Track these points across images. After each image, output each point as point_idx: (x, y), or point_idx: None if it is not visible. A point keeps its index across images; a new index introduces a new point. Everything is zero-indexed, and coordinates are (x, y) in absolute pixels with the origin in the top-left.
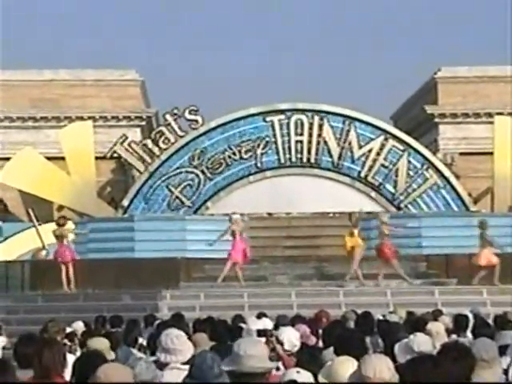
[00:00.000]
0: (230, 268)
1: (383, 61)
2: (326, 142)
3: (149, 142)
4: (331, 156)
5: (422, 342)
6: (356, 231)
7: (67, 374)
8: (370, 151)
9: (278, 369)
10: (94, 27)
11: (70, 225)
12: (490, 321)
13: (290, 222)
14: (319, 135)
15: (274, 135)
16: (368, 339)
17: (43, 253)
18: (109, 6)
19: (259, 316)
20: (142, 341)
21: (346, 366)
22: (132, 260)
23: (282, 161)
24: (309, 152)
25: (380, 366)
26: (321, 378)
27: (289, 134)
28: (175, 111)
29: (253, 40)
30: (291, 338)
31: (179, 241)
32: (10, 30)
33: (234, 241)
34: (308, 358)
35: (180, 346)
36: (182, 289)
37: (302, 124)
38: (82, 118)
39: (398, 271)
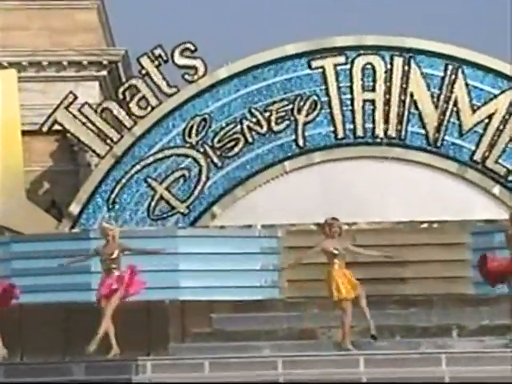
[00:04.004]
0: None
1: None
2: (415, 103)
3: (114, 106)
4: (424, 126)
5: None
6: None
7: None
8: (490, 117)
9: None
10: None
11: None
12: None
13: (355, 237)
14: (404, 90)
15: (327, 91)
16: None
17: None
18: None
19: None
20: None
21: None
22: (88, 306)
23: (341, 135)
24: (386, 120)
25: None
26: None
27: (352, 90)
28: (157, 52)
29: None
30: None
31: (168, 272)
32: None
33: None
34: None
35: None
36: (173, 353)
37: (375, 72)
38: None
39: None
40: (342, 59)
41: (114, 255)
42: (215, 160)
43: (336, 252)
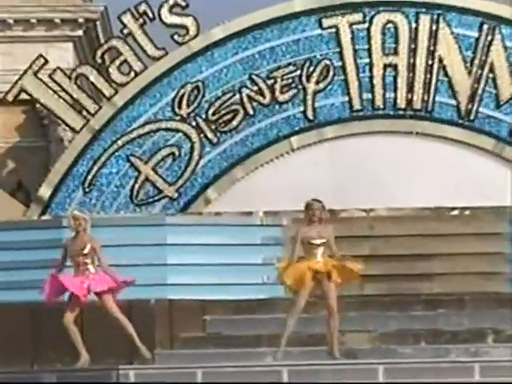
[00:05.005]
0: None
1: None
2: (444, 68)
3: (91, 71)
4: (455, 96)
5: None
6: None
7: None
8: None
9: None
10: None
11: None
12: None
13: (373, 227)
14: (431, 53)
15: (341, 55)
16: None
17: None
18: None
19: None
20: None
21: None
22: (59, 306)
23: (357, 106)
24: (411, 88)
25: None
26: None
27: (370, 53)
28: (142, 9)
29: None
30: None
31: (154, 267)
32: None
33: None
34: None
35: None
36: (160, 361)
37: (397, 32)
38: None
39: None
40: (358, 17)
41: (86, 250)
42: (210, 135)
43: (314, 241)
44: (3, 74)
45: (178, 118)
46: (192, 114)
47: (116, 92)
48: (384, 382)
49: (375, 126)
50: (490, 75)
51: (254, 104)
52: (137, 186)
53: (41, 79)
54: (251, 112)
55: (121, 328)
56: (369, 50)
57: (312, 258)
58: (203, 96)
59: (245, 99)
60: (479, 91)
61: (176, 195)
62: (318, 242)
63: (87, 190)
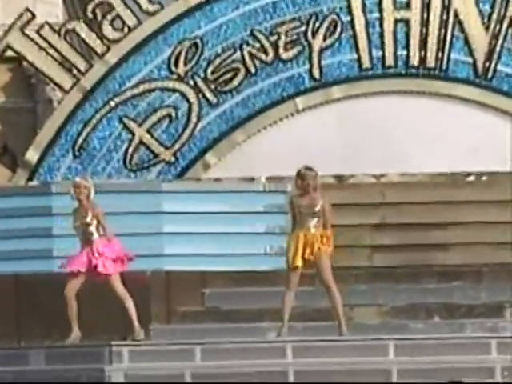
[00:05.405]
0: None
1: None
2: (460, 23)
3: (82, 27)
4: (472, 53)
5: None
6: None
7: None
8: None
9: None
10: None
11: None
12: None
13: (385, 193)
14: (446, 8)
15: (349, 9)
16: None
17: None
18: None
19: None
20: None
21: None
22: (50, 278)
23: (366, 64)
24: (424, 45)
25: None
26: None
27: (380, 7)
28: None
29: None
30: None
31: (150, 236)
32: None
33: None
34: None
35: None
36: (157, 337)
37: None
38: None
39: None
40: None
41: (88, 218)
42: (209, 96)
43: (305, 211)
44: None
45: (174, 77)
46: (190, 73)
47: (108, 49)
48: (395, 358)
49: (386, 85)
50: (510, 30)
51: (256, 62)
52: (131, 150)
53: (28, 35)
54: (253, 71)
55: (122, 306)
56: (379, 4)
57: (305, 229)
58: (202, 53)
59: (246, 57)
60: (497, 48)
61: (173, 160)
62: (310, 211)
63: (77, 154)
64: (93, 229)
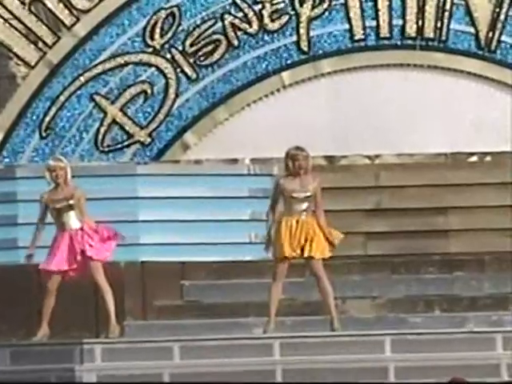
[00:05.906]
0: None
1: None
2: None
3: None
4: (474, 23)
5: None
6: None
7: None
8: None
9: None
10: None
11: None
12: None
13: (379, 176)
14: None
15: None
16: None
17: None
18: None
19: None
20: None
21: None
22: (17, 269)
23: (359, 35)
24: (421, 15)
25: None
26: None
27: None
28: None
29: None
30: None
31: (124, 224)
32: None
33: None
34: None
35: None
36: (132, 334)
37: None
38: None
39: None
40: None
41: (72, 201)
42: (187, 70)
43: (296, 195)
44: None
45: (149, 50)
46: (166, 46)
47: (77, 20)
48: (391, 355)
49: (380, 58)
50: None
51: (239, 33)
52: (102, 130)
53: None
54: (235, 43)
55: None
56: None
57: (296, 215)
58: (179, 24)
59: (228, 28)
60: (501, 17)
61: (148, 140)
62: (301, 195)
63: (45, 134)
64: (73, 213)
